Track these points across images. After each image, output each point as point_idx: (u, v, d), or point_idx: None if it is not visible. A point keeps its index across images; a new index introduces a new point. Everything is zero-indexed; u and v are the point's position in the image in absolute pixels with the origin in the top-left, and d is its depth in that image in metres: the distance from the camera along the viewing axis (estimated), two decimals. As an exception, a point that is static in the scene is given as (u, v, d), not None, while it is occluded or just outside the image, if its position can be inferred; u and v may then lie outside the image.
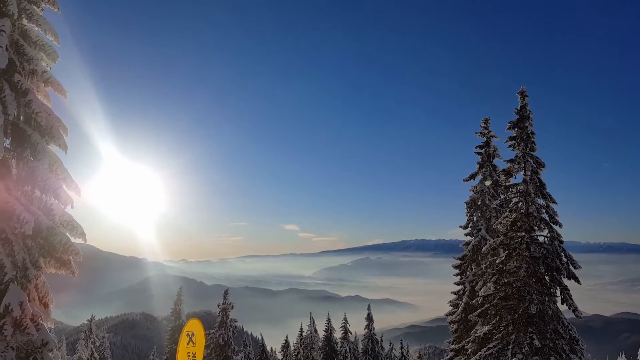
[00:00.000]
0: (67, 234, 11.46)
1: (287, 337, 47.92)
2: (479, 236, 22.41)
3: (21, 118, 11.57)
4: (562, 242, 17.66)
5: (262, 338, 49.30)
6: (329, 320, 46.05)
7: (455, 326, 22.70)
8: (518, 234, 17.60)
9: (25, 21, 11.95)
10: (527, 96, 17.99)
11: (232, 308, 29.22)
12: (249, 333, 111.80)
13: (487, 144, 23.32)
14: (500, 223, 17.90)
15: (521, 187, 17.71)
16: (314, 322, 44.41)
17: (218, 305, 29.24)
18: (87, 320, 36.06)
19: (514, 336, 16.89)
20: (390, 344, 49.39)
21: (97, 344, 35.73)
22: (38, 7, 12.09)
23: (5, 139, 11.16)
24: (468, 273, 22.87)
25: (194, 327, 18.40)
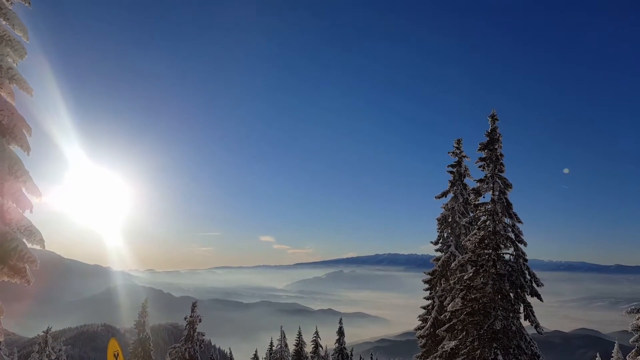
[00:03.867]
0: (24, 240, 10.91)
1: (256, 351, 47.11)
2: (449, 252, 22.77)
3: (-19, 117, 11.08)
4: (526, 260, 18.14)
5: (230, 352, 48.27)
6: (299, 334, 45.57)
7: (423, 341, 22.84)
8: (485, 251, 17.97)
9: (-8, 15, 11.50)
10: (498, 119, 18.62)
11: (200, 321, 28.56)
12: (217, 347, 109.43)
13: (458, 163, 23.94)
14: (469, 240, 18.24)
15: (489, 206, 18.16)
16: (284, 336, 43.83)
17: (185, 318, 28.54)
18: (43, 331, 34.13)
19: (479, 352, 17.10)
20: (361, 357, 49.30)
21: (53, 357, 34.02)
22: (7, 1, 11.65)
23: (-37, 138, 10.67)
24: (437, 288, 23.15)
25: (116, 346, 18.38)
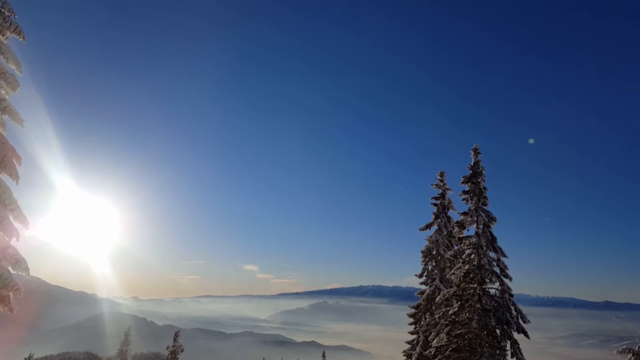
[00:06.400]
0: (9, 268, 10.91)
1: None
2: (434, 285, 22.84)
3: (-28, 144, 11.22)
4: (512, 295, 18.25)
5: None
6: (282, 367, 44.61)
7: (408, 377, 22.56)
8: (470, 285, 18.09)
9: (-13, 48, 11.85)
10: (480, 153, 19.11)
11: (182, 351, 28.05)
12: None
13: (442, 196, 24.36)
14: (454, 274, 18.38)
15: (474, 239, 18.41)
16: (266, 369, 42.92)
17: (167, 347, 28.03)
18: (25, 358, 33.69)
19: (464, 389, 16.95)
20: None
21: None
22: (3, 36, 12.13)
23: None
24: (422, 322, 23.06)
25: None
